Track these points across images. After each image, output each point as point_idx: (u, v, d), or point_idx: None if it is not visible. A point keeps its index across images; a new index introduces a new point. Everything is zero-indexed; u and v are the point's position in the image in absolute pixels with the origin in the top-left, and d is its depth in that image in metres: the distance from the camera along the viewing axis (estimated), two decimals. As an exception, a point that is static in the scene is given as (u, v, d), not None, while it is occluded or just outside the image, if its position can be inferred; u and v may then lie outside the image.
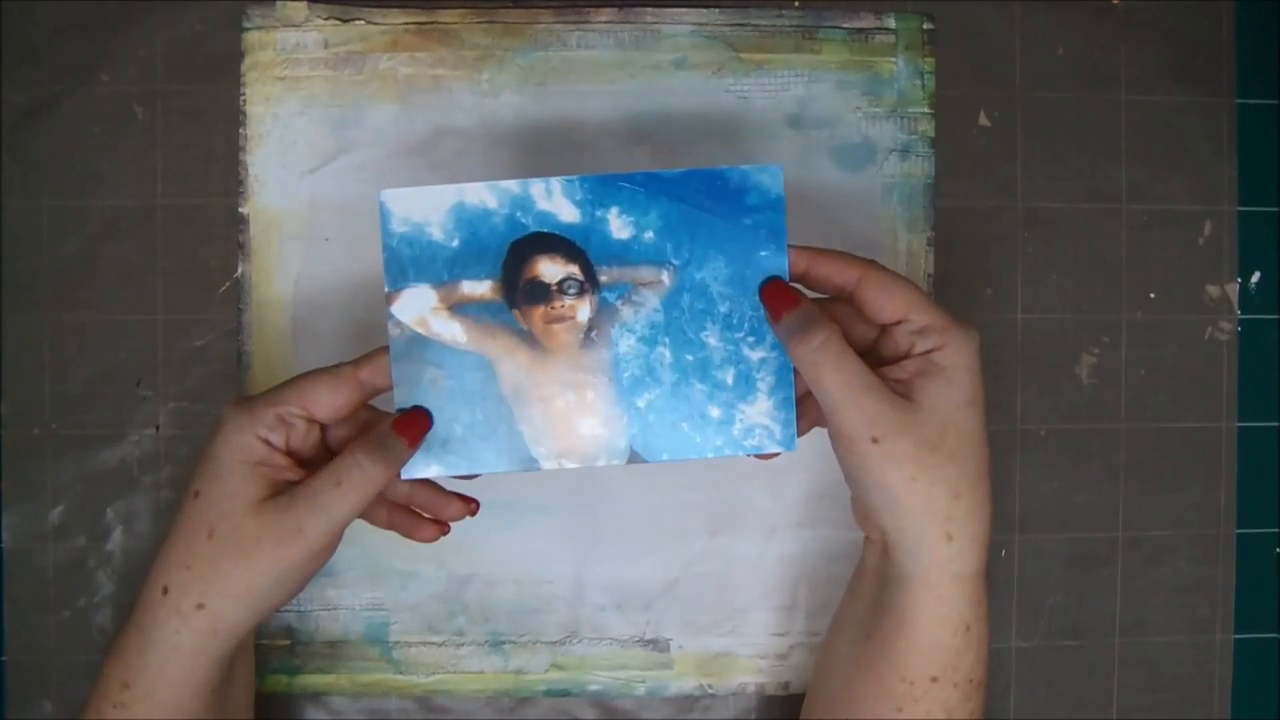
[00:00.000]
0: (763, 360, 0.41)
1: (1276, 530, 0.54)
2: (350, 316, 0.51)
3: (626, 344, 0.41)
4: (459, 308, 0.40)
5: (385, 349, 0.40)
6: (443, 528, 0.44)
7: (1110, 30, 0.53)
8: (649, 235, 0.40)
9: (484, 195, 0.40)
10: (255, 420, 0.39)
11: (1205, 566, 0.53)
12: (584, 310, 0.41)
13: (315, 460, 0.41)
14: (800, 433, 0.41)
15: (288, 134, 0.50)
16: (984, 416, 0.39)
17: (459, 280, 0.40)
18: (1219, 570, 0.53)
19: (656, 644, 0.52)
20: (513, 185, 0.40)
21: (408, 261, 0.40)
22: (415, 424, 0.40)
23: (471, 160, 0.51)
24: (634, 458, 0.41)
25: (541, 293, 0.40)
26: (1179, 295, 0.53)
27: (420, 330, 0.40)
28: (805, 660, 0.52)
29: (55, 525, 0.51)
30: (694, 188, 0.40)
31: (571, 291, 0.40)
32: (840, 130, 0.52)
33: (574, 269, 0.40)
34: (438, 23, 0.51)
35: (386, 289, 0.40)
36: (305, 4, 0.50)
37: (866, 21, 0.51)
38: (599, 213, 0.40)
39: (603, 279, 0.41)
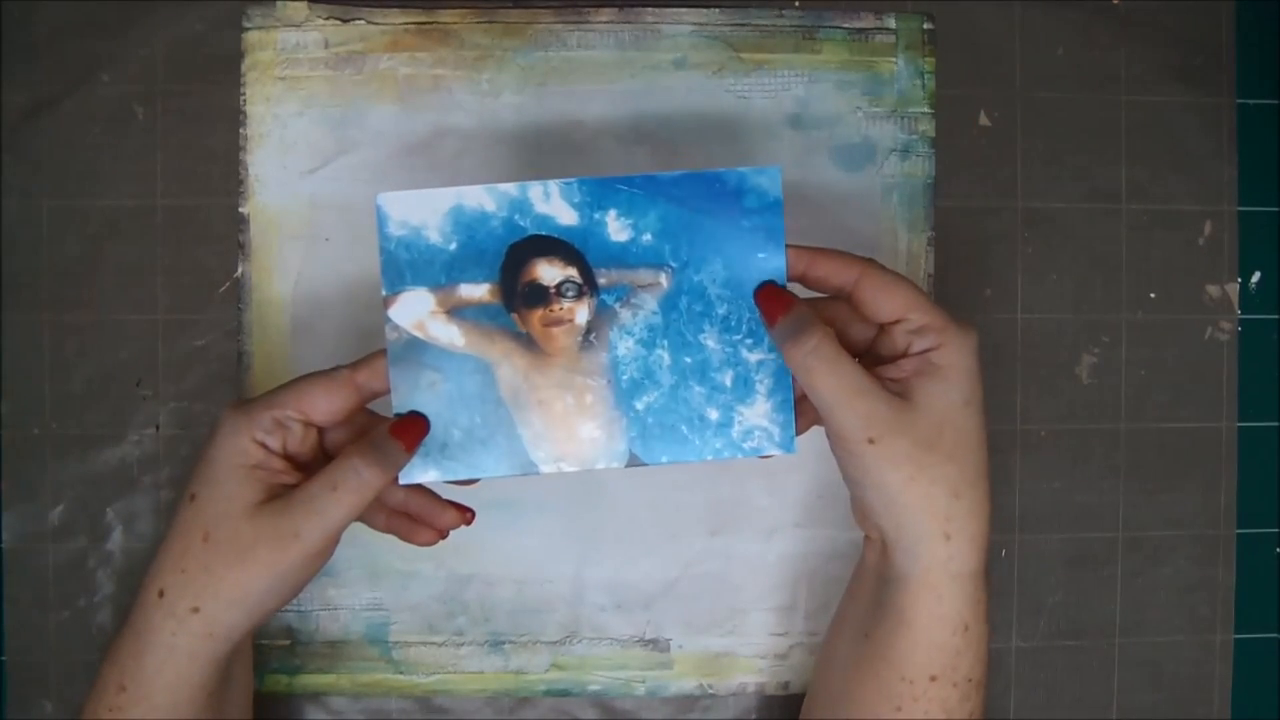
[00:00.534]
0: (761, 362, 0.41)
1: (1276, 530, 0.54)
2: (350, 316, 0.51)
3: (625, 346, 0.41)
4: (457, 311, 0.40)
5: (383, 352, 0.40)
6: (441, 533, 0.44)
7: (1110, 30, 0.53)
8: (647, 238, 0.40)
9: (482, 198, 0.40)
10: (252, 424, 0.39)
11: (1205, 566, 0.53)
12: (582, 313, 0.40)
13: (312, 464, 0.41)
14: (799, 431, 0.41)
15: (288, 134, 0.50)
16: (982, 416, 0.39)
17: (457, 283, 0.40)
18: (1219, 570, 0.53)
19: (656, 644, 0.52)
20: (510, 188, 0.40)
21: (405, 265, 0.40)
22: (412, 428, 0.40)
23: (471, 160, 0.51)
24: (633, 461, 0.41)
25: (540, 295, 0.40)
26: (1179, 295, 0.53)
27: (418, 334, 0.40)
28: (805, 660, 0.52)
29: (55, 525, 0.51)
30: (692, 190, 0.40)
31: (570, 294, 0.40)
32: (840, 130, 0.51)
33: (572, 272, 0.40)
34: (438, 23, 0.51)
35: (384, 292, 0.40)
36: (305, 4, 0.50)
37: (866, 21, 0.51)
38: (597, 215, 0.40)
39: (601, 281, 0.40)
